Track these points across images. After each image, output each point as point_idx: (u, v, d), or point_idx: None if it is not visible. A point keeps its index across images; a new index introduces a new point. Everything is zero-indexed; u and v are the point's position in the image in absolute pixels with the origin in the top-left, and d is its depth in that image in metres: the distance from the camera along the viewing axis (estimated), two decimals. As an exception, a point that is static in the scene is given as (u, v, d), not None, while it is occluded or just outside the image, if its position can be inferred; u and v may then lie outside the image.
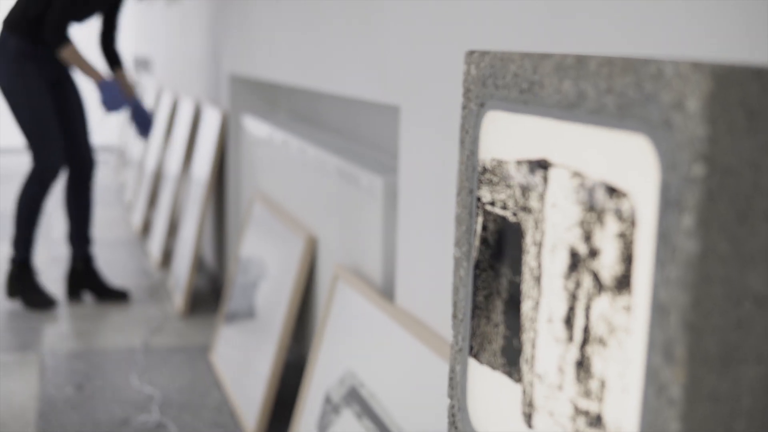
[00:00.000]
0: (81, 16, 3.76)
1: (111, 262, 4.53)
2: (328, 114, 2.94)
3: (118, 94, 3.78)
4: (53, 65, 3.71)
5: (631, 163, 0.74)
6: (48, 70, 3.69)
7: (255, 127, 3.24)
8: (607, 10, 1.08)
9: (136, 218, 5.40)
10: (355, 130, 2.66)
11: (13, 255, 3.76)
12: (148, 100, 6.48)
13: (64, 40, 3.61)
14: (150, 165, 5.52)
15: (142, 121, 3.88)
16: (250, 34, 3.19)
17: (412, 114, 1.70)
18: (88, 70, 3.67)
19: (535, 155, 0.87)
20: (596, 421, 0.78)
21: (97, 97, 3.85)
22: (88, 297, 3.94)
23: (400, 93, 1.76)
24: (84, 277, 3.92)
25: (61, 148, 3.67)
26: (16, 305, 3.76)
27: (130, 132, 7.46)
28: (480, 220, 0.96)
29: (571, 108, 0.81)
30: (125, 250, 4.84)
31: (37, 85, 3.63)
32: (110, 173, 7.55)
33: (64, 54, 3.62)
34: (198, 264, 4.27)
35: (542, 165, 0.86)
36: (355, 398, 1.87)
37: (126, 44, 5.37)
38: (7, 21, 3.68)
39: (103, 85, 3.74)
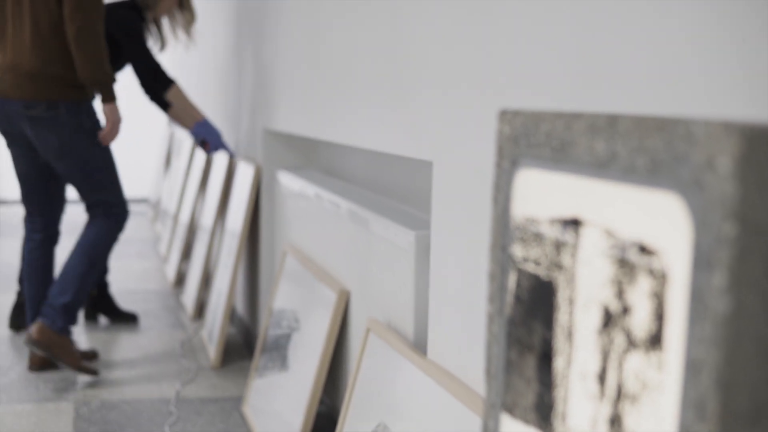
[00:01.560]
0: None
1: (146, 312, 4.57)
2: (361, 168, 2.96)
3: (214, 129, 4.03)
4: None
5: (663, 221, 0.75)
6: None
7: (288, 180, 3.27)
8: (638, 68, 1.09)
9: (170, 270, 5.44)
10: (387, 185, 2.68)
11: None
12: (183, 154, 6.56)
13: (170, 81, 3.87)
14: (184, 218, 5.57)
15: (214, 138, 4.07)
16: (284, 90, 3.23)
17: (444, 169, 1.72)
18: (193, 110, 4.00)
19: (568, 213, 0.88)
20: (629, 477, 0.79)
21: (199, 137, 4.03)
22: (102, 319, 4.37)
23: (432, 149, 1.78)
24: (99, 302, 4.25)
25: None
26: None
27: (164, 184, 7.55)
28: (513, 276, 0.97)
29: (603, 167, 0.83)
30: (160, 301, 4.87)
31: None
32: (146, 225, 7.62)
33: (171, 94, 3.88)
34: (231, 316, 4.29)
35: (574, 222, 0.87)
36: (387, 452, 1.87)
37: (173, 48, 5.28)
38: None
39: (204, 125, 4.00)
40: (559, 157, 0.89)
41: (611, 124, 0.81)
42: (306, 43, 2.88)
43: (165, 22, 4.26)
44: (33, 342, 3.37)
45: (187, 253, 5.43)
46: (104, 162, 3.58)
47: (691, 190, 0.72)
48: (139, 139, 8.65)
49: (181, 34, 4.25)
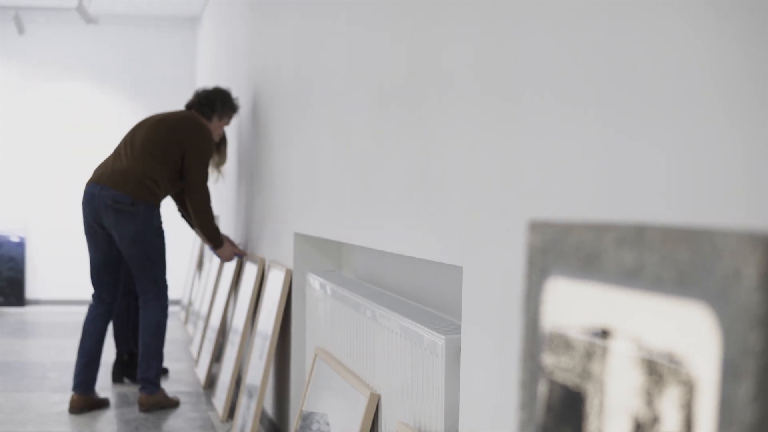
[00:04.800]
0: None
1: (177, 414, 4.57)
2: (391, 272, 2.99)
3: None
4: None
5: (692, 330, 0.76)
6: None
7: (318, 283, 3.30)
8: (662, 177, 1.12)
9: (201, 372, 5.44)
10: (417, 289, 2.69)
11: (120, 349, 5.29)
12: (215, 257, 6.61)
13: (221, 238, 5.01)
14: (215, 320, 5.59)
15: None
16: (314, 194, 3.28)
17: (474, 275, 1.74)
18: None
19: (597, 322, 0.90)
20: None
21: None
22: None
23: (462, 254, 1.80)
24: (129, 365, 5.31)
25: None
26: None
27: (196, 286, 7.59)
28: (543, 385, 0.98)
29: (631, 277, 0.84)
30: (191, 402, 4.87)
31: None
32: (178, 327, 7.64)
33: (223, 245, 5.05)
34: (261, 418, 4.27)
35: (603, 331, 0.88)
36: None
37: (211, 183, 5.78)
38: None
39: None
40: (588, 267, 0.91)
41: (638, 235, 0.83)
42: (336, 148, 2.94)
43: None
44: (146, 409, 4.64)
45: (218, 355, 5.44)
46: (161, 254, 4.64)
47: (718, 300, 0.73)
48: (172, 243, 8.74)
49: (212, 169, 5.30)
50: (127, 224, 4.49)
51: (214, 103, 4.93)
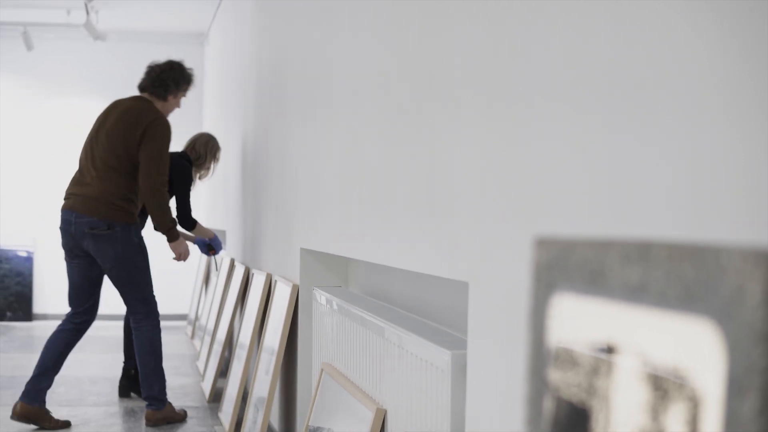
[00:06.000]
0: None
1: (184, 429, 4.57)
2: (398, 288, 2.99)
3: (219, 240, 5.75)
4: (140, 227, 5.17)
5: (696, 347, 0.77)
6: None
7: (325, 299, 3.30)
8: (669, 192, 1.12)
9: (207, 386, 5.44)
10: (423, 304, 2.70)
11: (127, 364, 5.41)
12: (221, 272, 6.63)
13: (195, 223, 5.45)
14: (221, 335, 5.60)
15: (217, 245, 5.71)
16: (319, 210, 3.29)
17: (480, 290, 1.74)
18: (207, 233, 5.61)
19: (602, 338, 0.90)
20: None
21: (204, 246, 5.70)
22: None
23: (468, 270, 1.81)
24: (134, 381, 5.32)
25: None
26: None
27: (203, 301, 7.60)
28: (549, 400, 0.98)
29: (636, 293, 0.85)
30: (197, 417, 4.87)
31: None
32: (185, 341, 7.64)
33: (195, 230, 5.48)
34: (266, 434, 4.27)
35: (609, 347, 0.89)
36: None
37: (200, 219, 5.99)
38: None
39: (215, 239, 5.67)
40: (593, 283, 0.91)
41: (644, 252, 0.84)
42: (342, 163, 2.95)
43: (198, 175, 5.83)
44: (153, 424, 4.66)
45: (224, 370, 5.44)
46: (145, 272, 4.64)
47: (722, 316, 0.74)
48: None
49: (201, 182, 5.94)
50: (107, 248, 4.50)
51: (167, 83, 4.84)
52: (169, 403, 4.77)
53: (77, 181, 4.61)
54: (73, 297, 4.67)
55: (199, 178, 5.86)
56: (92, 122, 4.79)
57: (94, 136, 4.67)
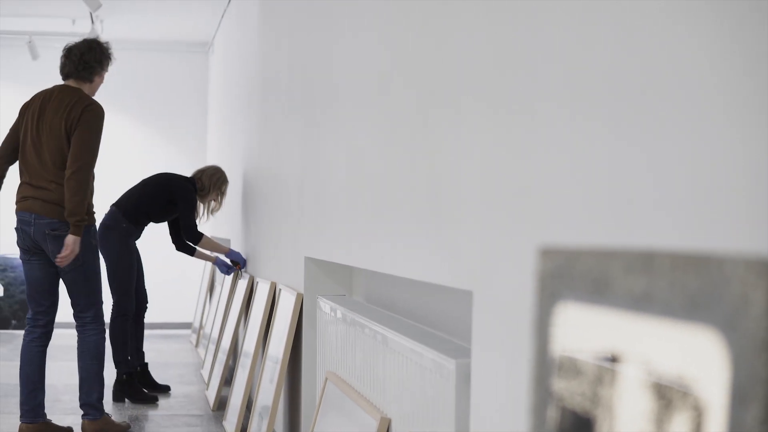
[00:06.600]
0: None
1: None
2: (401, 296, 2.99)
3: (237, 253, 5.94)
4: (136, 237, 5.75)
5: (700, 356, 0.77)
6: (134, 241, 5.72)
7: (329, 308, 3.30)
8: (673, 201, 1.12)
9: (212, 395, 5.45)
10: (427, 313, 2.70)
11: (119, 370, 5.51)
12: (226, 280, 6.64)
13: (200, 236, 5.71)
14: (226, 343, 5.60)
15: (239, 258, 5.91)
16: (324, 219, 3.30)
17: (484, 299, 1.74)
18: (219, 248, 5.91)
19: (606, 347, 0.91)
20: None
21: (223, 265, 5.97)
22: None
23: (472, 279, 1.81)
24: (126, 385, 5.55)
25: (133, 294, 5.62)
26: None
27: (207, 310, 7.60)
28: (553, 409, 0.99)
29: (640, 302, 0.85)
30: (202, 425, 4.88)
31: (132, 252, 5.45)
32: (189, 350, 7.65)
33: (202, 242, 5.74)
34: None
35: (613, 356, 0.89)
36: None
37: (204, 228, 6.04)
38: (122, 206, 5.70)
39: (232, 251, 5.92)
40: (597, 292, 0.92)
41: (647, 262, 0.84)
42: (346, 172, 2.95)
43: (203, 205, 6.07)
44: None
45: (228, 378, 5.44)
46: (98, 272, 4.68)
47: (726, 326, 0.74)
48: (184, 267, 8.76)
49: (206, 213, 6.13)
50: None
51: (92, 65, 4.74)
52: (107, 414, 4.70)
53: (31, 184, 4.50)
54: (35, 296, 4.60)
55: (211, 212, 6.07)
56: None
57: (34, 134, 4.54)
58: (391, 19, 2.46)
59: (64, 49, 4.80)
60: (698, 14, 1.09)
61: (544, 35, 1.52)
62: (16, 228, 4.57)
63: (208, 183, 5.89)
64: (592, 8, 1.36)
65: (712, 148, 1.05)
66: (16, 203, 4.58)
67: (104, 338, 4.69)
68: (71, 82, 4.72)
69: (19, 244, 4.58)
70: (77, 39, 5.00)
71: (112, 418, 4.76)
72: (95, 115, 4.56)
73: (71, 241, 4.36)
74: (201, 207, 6.00)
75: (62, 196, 4.38)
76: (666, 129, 1.15)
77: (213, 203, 6.04)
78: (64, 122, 4.48)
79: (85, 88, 4.73)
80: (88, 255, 4.51)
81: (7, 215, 9.17)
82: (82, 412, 4.59)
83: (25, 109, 4.70)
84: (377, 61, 2.61)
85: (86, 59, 4.74)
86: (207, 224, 8.46)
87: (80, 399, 4.60)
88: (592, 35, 1.35)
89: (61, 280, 4.64)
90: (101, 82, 4.90)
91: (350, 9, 2.96)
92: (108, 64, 4.89)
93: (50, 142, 4.48)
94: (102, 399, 4.62)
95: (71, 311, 4.67)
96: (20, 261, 4.77)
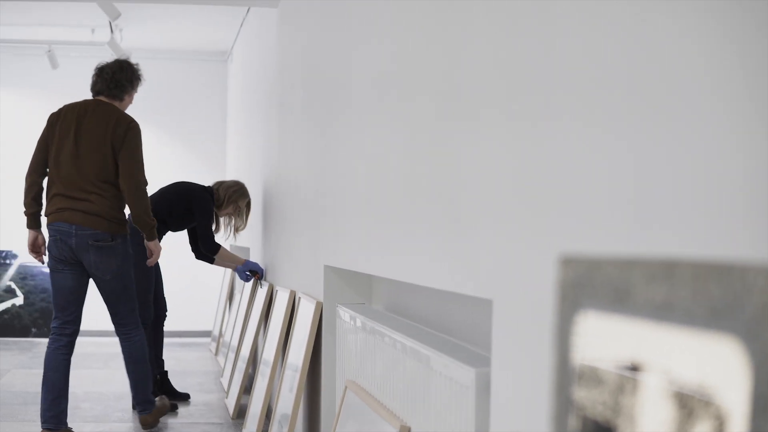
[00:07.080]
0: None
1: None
2: (421, 305, 2.99)
3: (256, 264, 5.96)
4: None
5: (722, 365, 0.77)
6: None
7: (349, 316, 3.31)
8: (695, 210, 1.12)
9: (231, 403, 5.46)
10: (447, 321, 2.70)
11: (149, 398, 5.18)
12: (245, 289, 6.65)
13: (218, 247, 5.78)
14: (245, 351, 5.61)
15: (257, 268, 5.91)
16: (343, 227, 3.30)
17: (504, 308, 1.74)
18: (235, 259, 6.01)
19: (628, 356, 0.91)
20: None
21: (243, 273, 5.91)
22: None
23: (492, 287, 1.81)
24: (162, 386, 5.71)
25: (152, 302, 5.60)
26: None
27: (227, 318, 7.62)
28: (574, 419, 0.99)
29: (661, 311, 0.85)
30: (220, 435, 4.89)
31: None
32: (209, 358, 7.66)
33: (219, 255, 5.82)
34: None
35: (634, 365, 0.89)
36: None
37: (222, 238, 6.07)
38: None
39: (248, 262, 5.91)
40: (618, 301, 0.92)
41: (669, 271, 0.84)
42: (365, 182, 2.96)
43: (224, 219, 6.09)
44: (150, 426, 4.93)
45: (248, 387, 5.45)
46: (134, 280, 4.84)
47: (748, 335, 0.74)
48: (203, 275, 8.79)
49: (231, 229, 6.13)
50: (109, 260, 4.61)
51: (123, 84, 4.86)
52: (156, 399, 5.12)
53: (64, 195, 4.59)
54: (64, 304, 4.69)
55: (236, 230, 6.08)
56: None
57: (71, 146, 4.61)
58: (410, 27, 2.46)
59: (96, 68, 4.91)
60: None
61: (563, 41, 1.52)
62: (52, 239, 4.59)
63: (224, 195, 5.90)
64: (613, 8, 1.36)
65: (736, 156, 1.05)
66: (49, 214, 4.62)
67: (145, 339, 4.97)
68: (102, 98, 4.82)
69: (54, 254, 4.60)
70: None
71: (158, 403, 5.12)
72: (137, 133, 4.71)
73: (153, 245, 4.90)
74: (220, 221, 6.03)
75: (104, 208, 4.55)
76: (688, 137, 1.15)
77: (235, 219, 6.04)
78: (110, 137, 4.59)
79: (116, 105, 4.83)
80: (128, 264, 4.71)
81: (7, 211, 9.23)
82: (139, 409, 4.92)
83: (56, 119, 4.73)
84: (396, 70, 2.62)
85: (117, 78, 4.85)
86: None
87: (135, 399, 4.93)
88: (611, 39, 1.35)
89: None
90: (131, 102, 4.99)
91: (368, 18, 2.97)
92: (138, 85, 5.00)
93: (92, 155, 4.57)
94: (152, 394, 5.00)
95: (84, 318, 4.79)
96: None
